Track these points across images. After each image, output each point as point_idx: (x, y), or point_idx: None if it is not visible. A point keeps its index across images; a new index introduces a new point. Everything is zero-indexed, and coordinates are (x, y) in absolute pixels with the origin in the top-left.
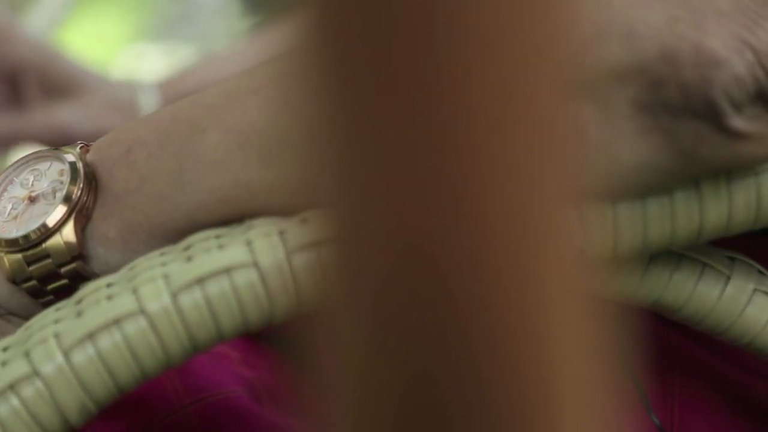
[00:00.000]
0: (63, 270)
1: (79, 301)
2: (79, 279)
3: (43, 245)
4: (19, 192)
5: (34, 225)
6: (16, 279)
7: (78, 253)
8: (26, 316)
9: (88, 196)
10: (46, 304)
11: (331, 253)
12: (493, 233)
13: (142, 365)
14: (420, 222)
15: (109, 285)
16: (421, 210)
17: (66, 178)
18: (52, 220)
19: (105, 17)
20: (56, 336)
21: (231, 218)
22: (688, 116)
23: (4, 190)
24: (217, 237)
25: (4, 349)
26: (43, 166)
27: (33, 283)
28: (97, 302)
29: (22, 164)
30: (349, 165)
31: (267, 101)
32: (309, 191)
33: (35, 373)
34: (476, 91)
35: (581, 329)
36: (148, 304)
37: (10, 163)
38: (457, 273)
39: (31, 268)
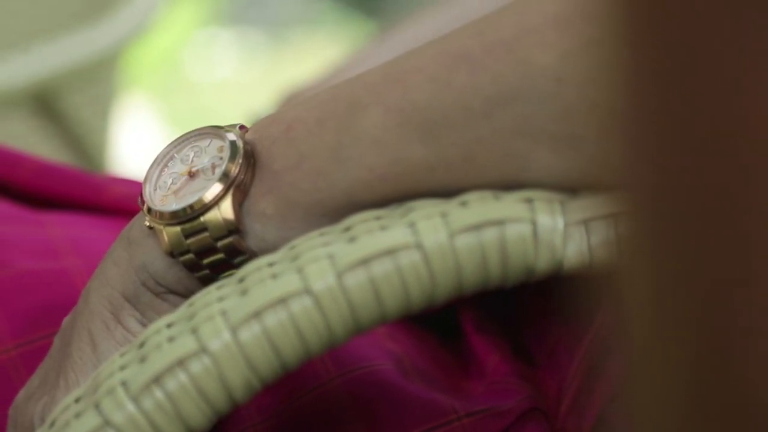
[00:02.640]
0: (219, 244)
1: (242, 280)
2: (235, 253)
3: (201, 218)
4: (179, 168)
5: (193, 199)
6: (174, 251)
7: (235, 227)
8: (182, 292)
9: (246, 173)
10: (202, 279)
11: (638, 226)
12: None
13: (306, 343)
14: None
15: (270, 264)
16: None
17: (225, 155)
18: (209, 195)
19: (177, 2)
20: (223, 313)
21: (389, 196)
22: None
23: (165, 165)
24: (378, 218)
25: (169, 326)
26: (203, 143)
27: (190, 256)
28: (262, 281)
29: (183, 141)
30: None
31: (429, 80)
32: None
33: (203, 349)
34: None
35: None
36: (313, 284)
37: (170, 141)
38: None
39: (188, 241)
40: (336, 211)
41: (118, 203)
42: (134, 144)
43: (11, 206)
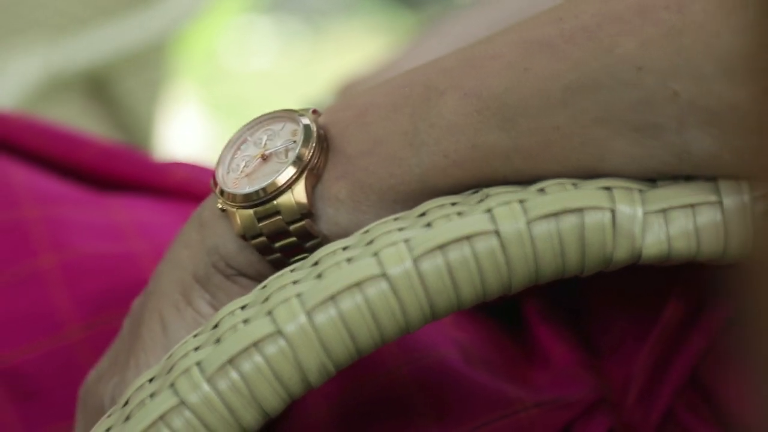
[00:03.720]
0: (292, 227)
1: (317, 263)
2: (307, 237)
3: (275, 202)
4: (252, 151)
5: (266, 182)
6: (246, 234)
7: (308, 211)
8: (252, 275)
9: (319, 157)
10: (273, 263)
11: None
12: None
13: (381, 329)
14: None
15: (345, 248)
16: None
17: (299, 139)
18: (283, 179)
19: None
20: (298, 296)
21: (464, 182)
22: None
23: (238, 148)
24: (454, 204)
25: (243, 308)
26: (276, 126)
27: (262, 239)
28: (338, 265)
29: (256, 124)
30: None
31: (506, 67)
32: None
33: (278, 332)
34: None
35: None
36: (390, 269)
37: (243, 124)
38: None
39: (261, 224)
40: (409, 196)
41: (181, 186)
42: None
43: (76, 189)
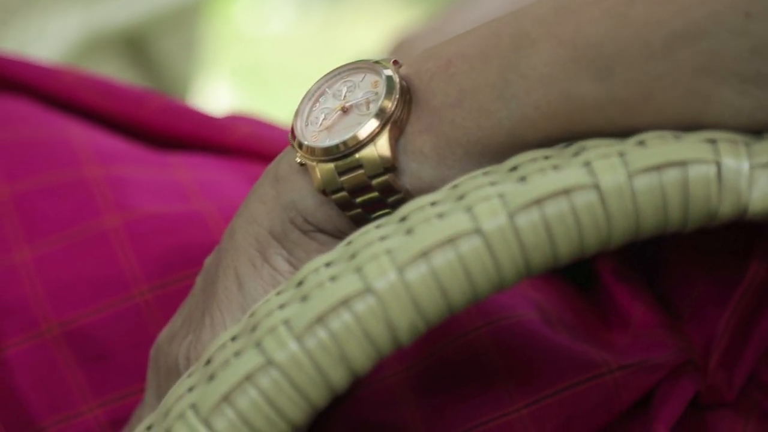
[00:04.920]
0: (374, 182)
1: (404, 219)
2: (389, 192)
3: (356, 155)
4: (331, 103)
5: (347, 135)
6: (326, 189)
7: (391, 165)
8: (331, 231)
9: (402, 110)
10: (353, 218)
11: None
12: None
13: (474, 285)
14: None
15: (434, 203)
16: None
17: (381, 90)
18: (364, 132)
19: None
20: (388, 253)
21: (556, 135)
22: None
23: (317, 101)
24: (547, 158)
25: (328, 264)
26: (356, 77)
27: (343, 194)
28: (428, 220)
29: (335, 76)
30: None
31: (604, 14)
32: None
33: (368, 289)
34: None
35: None
36: (483, 224)
37: (322, 75)
38: None
39: (342, 178)
40: (497, 150)
41: (243, 144)
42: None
43: (136, 147)
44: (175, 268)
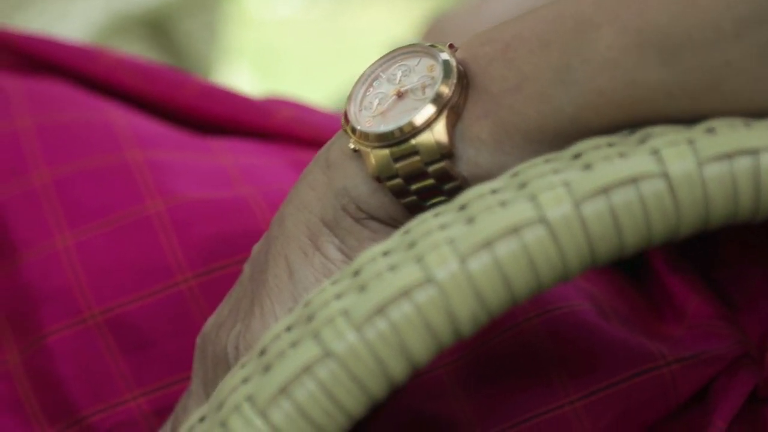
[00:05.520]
0: (431, 168)
1: (464, 207)
2: (445, 179)
3: (413, 141)
4: (386, 87)
5: (403, 121)
6: (381, 176)
7: (448, 151)
8: (384, 219)
9: (459, 95)
10: (408, 206)
11: None
12: None
13: (538, 276)
14: None
15: (494, 191)
16: None
17: (437, 75)
18: (421, 117)
19: None
20: (450, 242)
21: (619, 122)
22: None
23: (370, 85)
24: (611, 145)
25: (385, 254)
26: (411, 61)
27: (398, 181)
28: (489, 209)
29: (390, 60)
30: None
31: None
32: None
33: (429, 279)
34: None
35: None
36: (548, 212)
37: (376, 59)
38: None
39: (397, 165)
40: (558, 137)
41: (285, 128)
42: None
43: (175, 131)
44: (220, 255)
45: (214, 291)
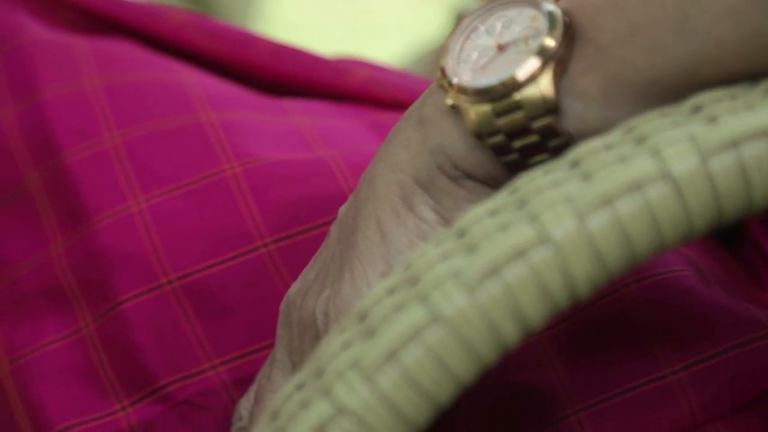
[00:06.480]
0: (535, 124)
1: (577, 164)
2: (550, 136)
3: (516, 96)
4: (485, 40)
5: (505, 74)
6: (481, 132)
7: (554, 106)
8: (481, 177)
9: (566, 47)
10: (508, 164)
11: None
12: None
13: (662, 235)
14: None
15: (609, 147)
16: None
17: (541, 26)
18: (525, 71)
19: None
20: (567, 200)
21: (740, 73)
22: None
23: (468, 37)
24: (734, 97)
25: (492, 213)
26: (512, 12)
27: (499, 138)
28: (607, 165)
29: (488, 11)
30: None
31: None
32: None
33: (544, 238)
34: None
35: None
36: (673, 168)
37: (473, 10)
38: None
39: (499, 121)
40: (672, 90)
41: (361, 89)
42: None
43: (248, 92)
44: (301, 219)
45: (296, 256)
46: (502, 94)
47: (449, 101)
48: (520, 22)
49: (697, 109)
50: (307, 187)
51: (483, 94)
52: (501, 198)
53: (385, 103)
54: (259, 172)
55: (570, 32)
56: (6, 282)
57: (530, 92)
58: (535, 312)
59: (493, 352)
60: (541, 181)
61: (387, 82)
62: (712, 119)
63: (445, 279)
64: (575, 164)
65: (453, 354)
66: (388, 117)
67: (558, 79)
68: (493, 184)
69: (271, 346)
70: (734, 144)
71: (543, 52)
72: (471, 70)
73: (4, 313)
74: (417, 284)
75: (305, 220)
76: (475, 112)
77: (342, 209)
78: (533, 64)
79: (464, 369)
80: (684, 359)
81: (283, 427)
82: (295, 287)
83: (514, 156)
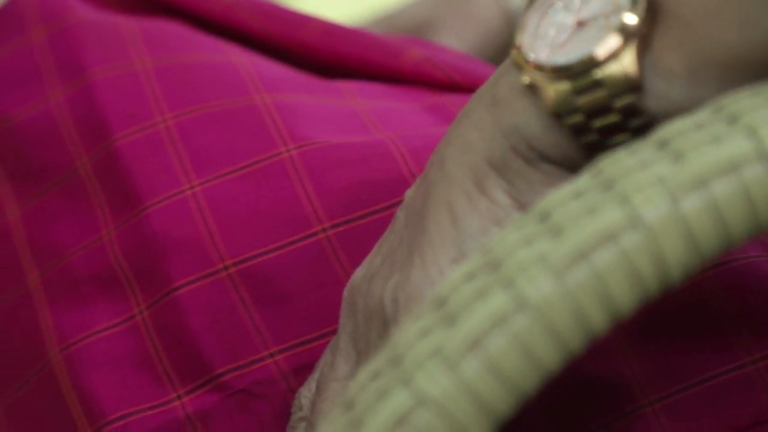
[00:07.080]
0: (617, 103)
1: (665, 144)
2: (632, 115)
3: (598, 74)
4: (563, 16)
5: (585, 51)
6: (560, 111)
7: (637, 84)
8: (558, 159)
9: (648, 23)
10: (586, 146)
11: None
12: None
13: (758, 218)
14: None
15: (699, 126)
16: None
17: (622, 1)
18: (606, 47)
19: None
20: (659, 181)
21: None
22: None
23: (545, 13)
24: None
25: (576, 196)
26: None
27: (578, 117)
28: (698, 146)
29: None
30: None
31: None
32: None
33: (635, 221)
34: None
35: None
36: None
37: None
38: None
39: (580, 99)
40: (763, 68)
41: (417, 69)
42: None
43: (301, 73)
44: (361, 204)
45: (356, 241)
46: (581, 71)
47: (526, 79)
48: None
49: None
50: (365, 170)
51: (562, 72)
52: (584, 180)
53: (442, 85)
54: (315, 155)
55: (653, 7)
56: (56, 268)
57: (613, 69)
58: (625, 299)
59: (580, 340)
60: (627, 162)
61: (444, 63)
62: None
63: (530, 264)
64: (663, 144)
65: (539, 342)
66: (446, 99)
67: (641, 56)
68: (569, 165)
69: (331, 333)
70: None
71: (625, 29)
72: (549, 47)
73: (55, 300)
74: (499, 269)
75: (364, 205)
76: (555, 90)
77: (409, 192)
78: (615, 40)
79: (550, 357)
80: (764, 348)
81: (360, 417)
82: (359, 273)
83: (593, 136)
